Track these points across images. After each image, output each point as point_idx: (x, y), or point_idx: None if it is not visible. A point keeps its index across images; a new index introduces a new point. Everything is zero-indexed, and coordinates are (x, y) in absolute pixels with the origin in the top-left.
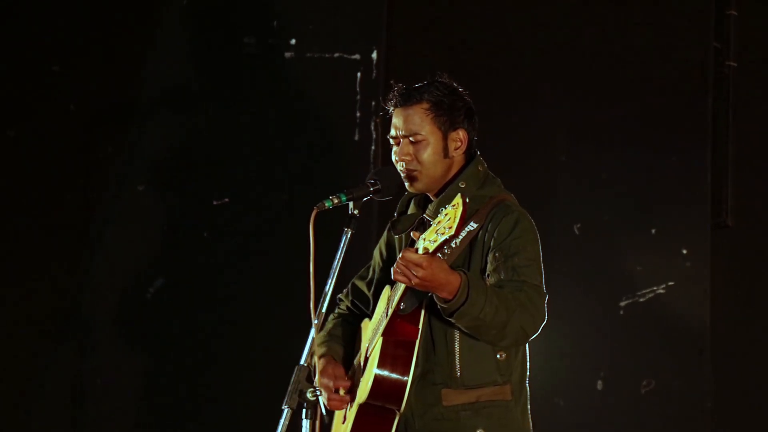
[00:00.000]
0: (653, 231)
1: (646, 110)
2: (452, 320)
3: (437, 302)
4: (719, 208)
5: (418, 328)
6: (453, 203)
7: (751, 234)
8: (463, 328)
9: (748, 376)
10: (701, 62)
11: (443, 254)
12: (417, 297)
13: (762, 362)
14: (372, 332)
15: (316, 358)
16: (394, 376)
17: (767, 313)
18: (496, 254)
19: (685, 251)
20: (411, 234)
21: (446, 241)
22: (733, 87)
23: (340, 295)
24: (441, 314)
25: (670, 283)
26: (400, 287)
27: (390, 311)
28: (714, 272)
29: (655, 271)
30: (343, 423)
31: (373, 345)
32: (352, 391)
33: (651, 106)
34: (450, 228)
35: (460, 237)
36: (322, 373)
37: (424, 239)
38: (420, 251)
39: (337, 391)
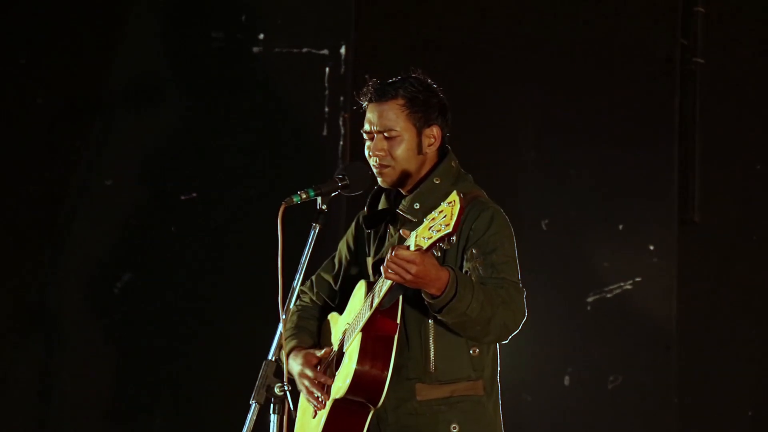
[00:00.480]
0: (620, 227)
1: (613, 106)
2: (439, 316)
3: (425, 298)
4: (686, 204)
5: (397, 323)
6: (449, 200)
7: (717, 230)
8: (448, 324)
9: (713, 371)
10: (668, 59)
11: (437, 251)
12: (396, 293)
13: (727, 357)
14: (347, 327)
15: (284, 353)
16: (374, 371)
17: (733, 308)
18: (474, 251)
19: (651, 247)
20: (400, 232)
21: (442, 238)
22: (700, 83)
23: (302, 287)
24: (415, 309)
25: (637, 279)
26: (386, 283)
27: (374, 305)
28: (681, 268)
29: (622, 266)
30: (314, 417)
31: (351, 340)
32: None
33: (618, 103)
34: (447, 225)
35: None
36: (304, 363)
37: (417, 236)
38: (412, 248)
39: (317, 384)
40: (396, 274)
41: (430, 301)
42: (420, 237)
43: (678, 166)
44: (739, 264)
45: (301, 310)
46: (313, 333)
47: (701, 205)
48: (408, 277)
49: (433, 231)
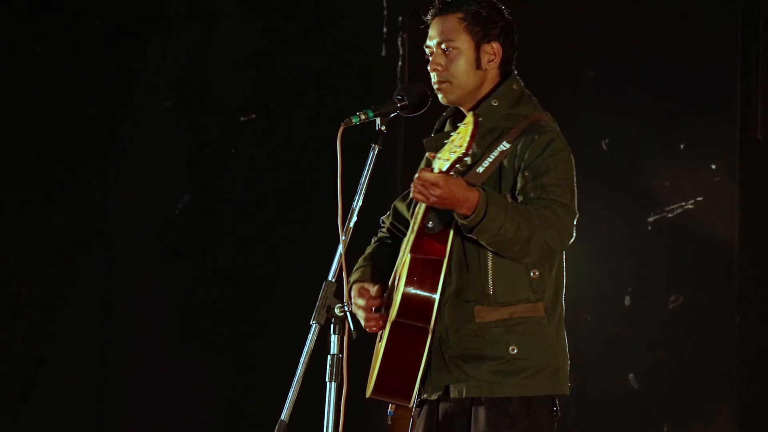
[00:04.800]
0: (682, 146)
1: (675, 24)
2: (473, 237)
3: (457, 219)
4: (748, 123)
5: (446, 247)
6: (465, 121)
7: None
8: (485, 245)
9: None
10: None
11: (456, 172)
12: (444, 215)
13: None
14: (402, 251)
15: (345, 279)
16: (422, 293)
17: None
18: (526, 173)
19: (713, 166)
20: (427, 154)
21: (458, 160)
22: (764, 0)
23: (383, 217)
24: None
25: (699, 199)
26: (422, 205)
27: (415, 228)
28: (743, 187)
29: (684, 186)
30: (379, 341)
31: (402, 263)
32: (388, 310)
33: (680, 18)
34: (461, 146)
35: (469, 155)
36: (356, 296)
37: (439, 158)
38: (435, 170)
39: (372, 310)
40: (421, 195)
41: (462, 222)
42: (441, 159)
43: (740, 83)
44: None
45: (376, 241)
46: (377, 261)
47: (764, 122)
48: (432, 199)
49: (450, 153)
